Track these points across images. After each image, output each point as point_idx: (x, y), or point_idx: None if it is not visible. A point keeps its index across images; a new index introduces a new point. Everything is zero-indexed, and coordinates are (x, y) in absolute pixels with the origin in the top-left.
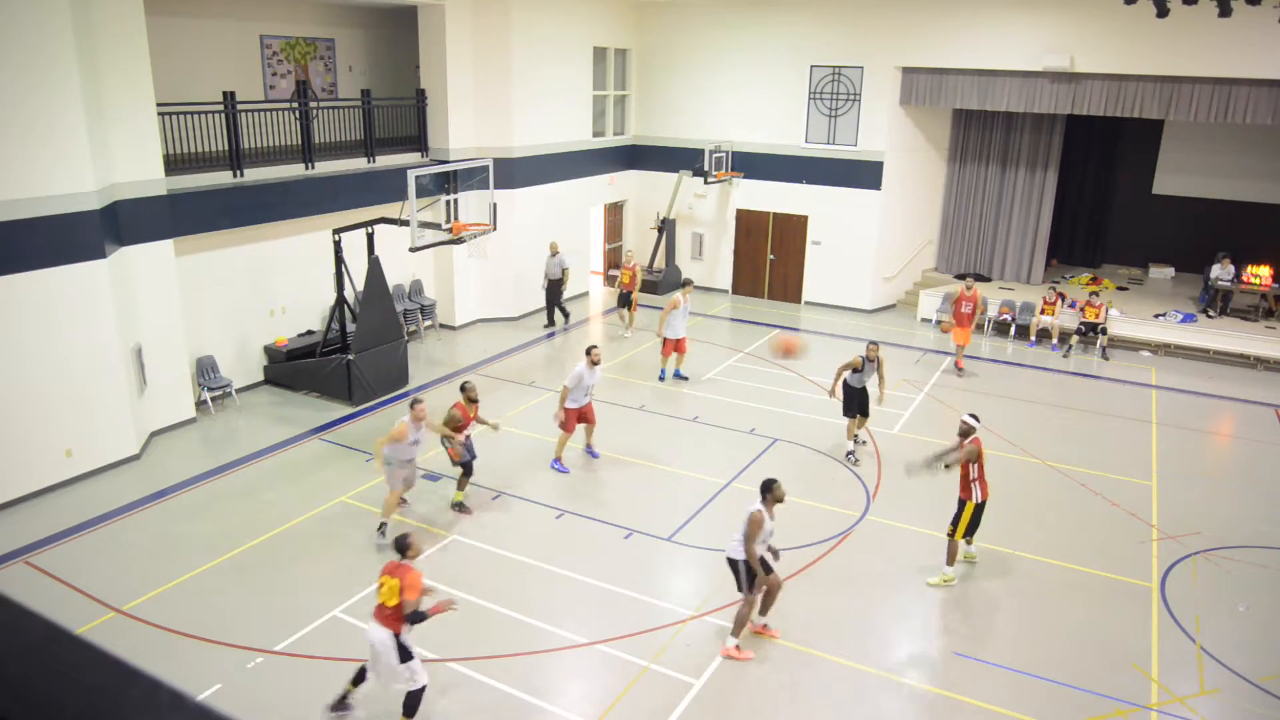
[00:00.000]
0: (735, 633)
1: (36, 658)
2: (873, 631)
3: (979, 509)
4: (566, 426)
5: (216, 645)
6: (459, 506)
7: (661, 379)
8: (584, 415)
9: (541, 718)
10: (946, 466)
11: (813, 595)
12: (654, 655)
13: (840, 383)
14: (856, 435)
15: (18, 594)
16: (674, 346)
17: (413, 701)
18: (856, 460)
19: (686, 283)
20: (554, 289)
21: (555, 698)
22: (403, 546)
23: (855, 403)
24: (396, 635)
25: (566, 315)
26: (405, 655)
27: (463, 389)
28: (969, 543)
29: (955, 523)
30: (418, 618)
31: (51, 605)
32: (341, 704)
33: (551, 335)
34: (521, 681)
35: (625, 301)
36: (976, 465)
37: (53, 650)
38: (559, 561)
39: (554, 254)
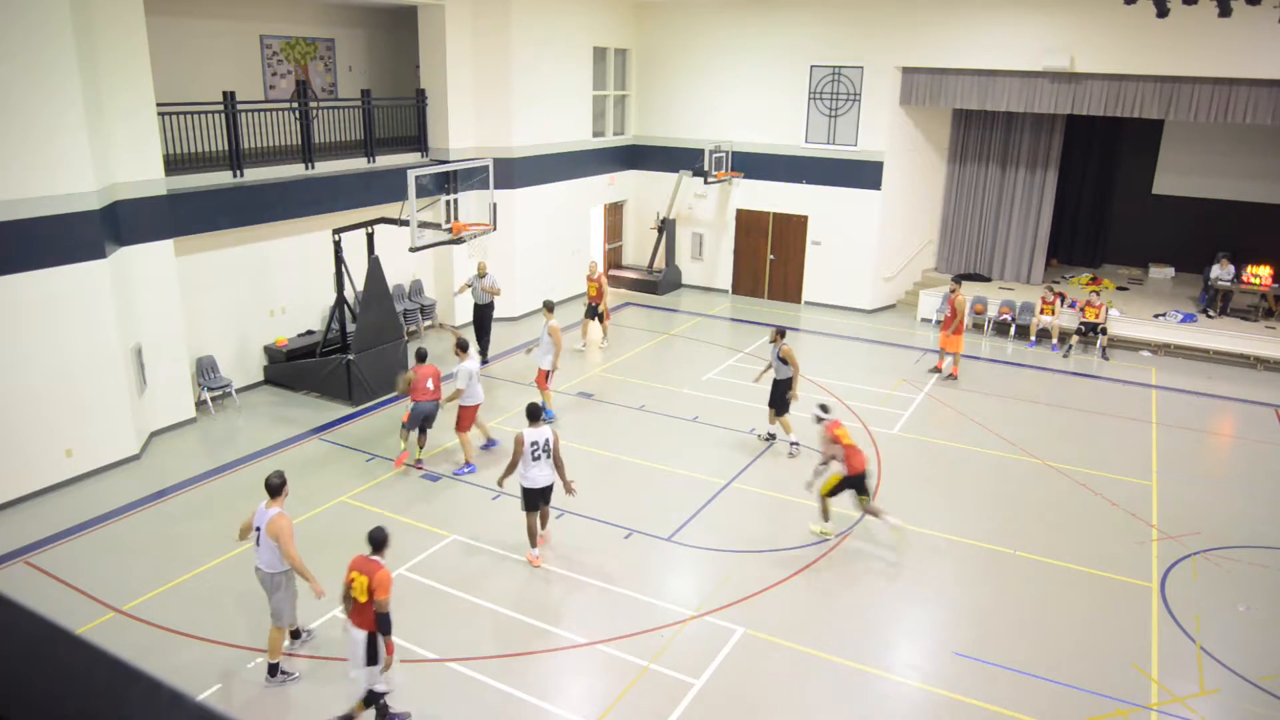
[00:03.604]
0: (534, 544)
1: (36, 658)
2: (873, 631)
3: (846, 480)
4: (465, 426)
5: (216, 645)
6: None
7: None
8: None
9: (541, 718)
10: (824, 464)
11: (812, 595)
12: (654, 655)
13: (767, 371)
14: (776, 428)
15: (18, 594)
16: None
17: (371, 698)
18: (769, 440)
19: (547, 306)
20: (483, 316)
21: (555, 698)
22: (378, 541)
23: (774, 394)
24: (371, 634)
25: (486, 345)
26: (371, 659)
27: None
28: (864, 505)
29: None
30: (386, 624)
31: (51, 605)
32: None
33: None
34: (521, 681)
35: (593, 314)
36: (840, 446)
37: (53, 650)
38: (559, 561)
39: (482, 275)
